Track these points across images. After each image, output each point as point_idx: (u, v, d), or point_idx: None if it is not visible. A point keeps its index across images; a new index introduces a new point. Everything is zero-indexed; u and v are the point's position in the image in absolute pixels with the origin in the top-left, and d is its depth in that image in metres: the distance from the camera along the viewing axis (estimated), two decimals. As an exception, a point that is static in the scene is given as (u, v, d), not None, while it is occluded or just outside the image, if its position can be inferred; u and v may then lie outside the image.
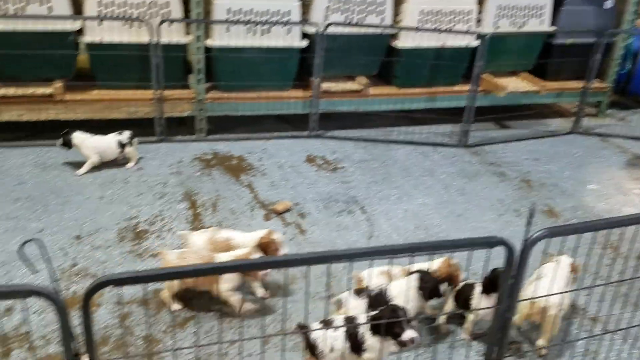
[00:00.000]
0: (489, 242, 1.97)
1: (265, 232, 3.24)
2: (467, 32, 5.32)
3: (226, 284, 2.99)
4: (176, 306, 3.09)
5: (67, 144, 4.37)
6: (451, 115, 5.41)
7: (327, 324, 2.53)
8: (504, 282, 2.11)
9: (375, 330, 2.42)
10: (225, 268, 2.06)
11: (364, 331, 2.47)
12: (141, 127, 4.96)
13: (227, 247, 3.21)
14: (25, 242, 1.39)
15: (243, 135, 5.26)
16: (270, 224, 3.95)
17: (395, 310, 2.42)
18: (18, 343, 2.79)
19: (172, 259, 3.02)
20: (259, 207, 4.15)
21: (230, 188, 4.38)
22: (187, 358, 2.78)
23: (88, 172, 4.40)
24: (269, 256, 3.08)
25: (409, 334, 2.38)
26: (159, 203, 4.12)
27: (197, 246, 3.22)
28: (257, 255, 3.09)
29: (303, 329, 2.56)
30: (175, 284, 3.05)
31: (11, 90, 4.51)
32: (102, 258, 3.47)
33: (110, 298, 3.12)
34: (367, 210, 4.20)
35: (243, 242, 3.22)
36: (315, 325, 2.55)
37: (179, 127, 5.18)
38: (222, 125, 5.32)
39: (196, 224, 3.90)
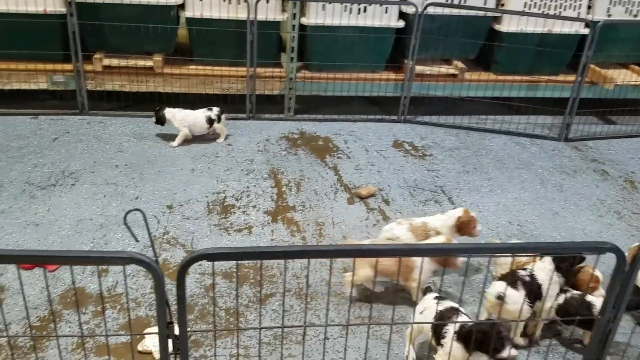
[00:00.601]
0: (599, 248, 1.81)
1: (461, 211, 3.20)
2: (576, 19, 4.94)
3: (423, 274, 2.78)
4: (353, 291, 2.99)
5: (160, 121, 4.52)
6: (552, 105, 5.08)
7: None
8: (610, 292, 1.94)
9: (477, 345, 2.26)
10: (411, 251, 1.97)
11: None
12: (232, 104, 5.06)
13: (425, 232, 3.19)
14: (129, 211, 1.41)
15: (330, 116, 5.23)
16: (354, 208, 3.91)
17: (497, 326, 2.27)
18: (110, 304, 2.94)
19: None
20: (342, 190, 4.11)
21: (315, 169, 4.37)
22: (266, 333, 2.81)
23: (181, 144, 4.54)
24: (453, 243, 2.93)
25: (509, 352, 2.24)
26: (246, 179, 4.18)
27: (404, 237, 3.18)
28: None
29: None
30: (365, 272, 2.89)
31: (115, 62, 4.72)
32: (191, 228, 3.58)
33: (197, 268, 3.21)
34: (455, 200, 4.05)
35: (440, 225, 3.19)
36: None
37: (268, 105, 5.23)
38: (310, 105, 5.32)
39: (280, 202, 3.93)
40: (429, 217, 3.29)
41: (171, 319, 1.67)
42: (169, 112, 4.51)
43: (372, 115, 5.31)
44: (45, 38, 4.56)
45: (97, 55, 4.68)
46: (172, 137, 4.58)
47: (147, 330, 2.77)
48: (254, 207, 3.87)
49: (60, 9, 4.46)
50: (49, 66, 4.64)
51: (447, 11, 4.84)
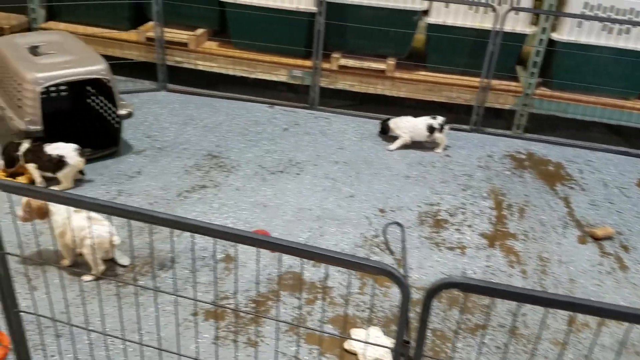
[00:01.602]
0: None
1: None
2: None
3: None
4: None
5: (385, 131, 4.56)
6: None
7: None
8: None
9: None
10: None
11: None
12: (456, 113, 4.88)
13: None
14: (389, 224, 1.34)
15: (565, 140, 4.74)
16: (585, 248, 3.46)
17: None
18: (322, 295, 3.01)
19: None
20: (573, 225, 3.68)
21: (542, 196, 3.99)
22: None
23: (398, 149, 4.51)
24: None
25: None
26: (462, 195, 3.99)
27: None
28: None
29: None
30: None
31: (350, 62, 4.86)
32: (401, 237, 3.52)
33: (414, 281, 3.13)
34: None
35: None
36: None
37: (494, 119, 4.94)
38: (541, 125, 4.89)
39: (499, 226, 3.66)
40: None
41: (408, 338, 1.58)
42: (393, 122, 4.51)
43: (615, 146, 4.69)
44: (292, 34, 4.89)
45: (335, 55, 4.88)
46: (390, 140, 4.58)
47: (353, 331, 2.77)
48: (469, 226, 3.66)
49: (311, 7, 4.73)
50: (291, 61, 4.96)
51: None
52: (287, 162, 4.25)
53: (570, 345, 2.78)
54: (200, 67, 5.08)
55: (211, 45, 5.13)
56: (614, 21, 4.23)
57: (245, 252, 3.17)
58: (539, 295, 1.43)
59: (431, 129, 4.44)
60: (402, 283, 1.44)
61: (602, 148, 4.64)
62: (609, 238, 3.55)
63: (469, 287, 1.43)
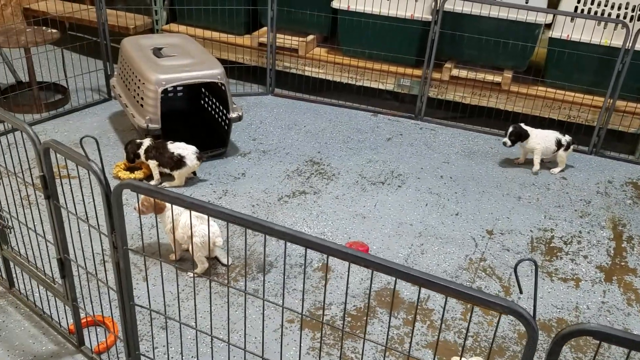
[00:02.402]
0: None
1: None
2: None
3: None
4: None
5: (520, 136, 4.16)
6: None
7: None
8: None
9: None
10: None
11: None
12: (571, 133, 4.54)
13: None
14: (521, 260, 1.22)
15: (698, 171, 4.27)
16: None
17: None
18: (421, 317, 2.88)
19: None
20: None
21: (669, 230, 3.60)
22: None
23: (539, 167, 4.23)
24: None
25: None
26: (579, 222, 3.69)
27: None
28: None
29: None
30: None
31: (464, 73, 4.68)
32: (510, 262, 3.30)
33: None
34: None
35: None
36: None
37: (617, 142, 4.54)
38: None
39: (617, 259, 3.34)
40: None
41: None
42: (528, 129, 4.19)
43: None
44: (404, 42, 4.79)
45: (447, 65, 4.72)
46: (501, 155, 4.34)
47: (454, 359, 2.62)
48: (585, 257, 3.37)
49: (427, 16, 4.60)
50: (400, 69, 4.86)
51: None
52: (389, 173, 4.16)
53: None
54: (308, 73, 5.12)
55: (320, 52, 5.15)
56: None
57: (343, 263, 3.12)
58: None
59: (559, 144, 4.15)
60: (530, 325, 1.31)
61: None
62: None
63: (606, 337, 1.27)
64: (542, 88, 4.55)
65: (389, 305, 2.92)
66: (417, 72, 4.79)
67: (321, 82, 5.19)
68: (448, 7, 4.48)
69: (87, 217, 2.46)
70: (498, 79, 4.58)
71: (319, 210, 3.67)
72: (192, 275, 3.00)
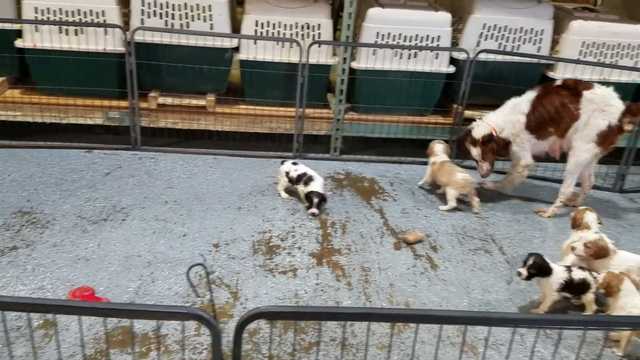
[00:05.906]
0: None
1: None
2: (633, 69, 4.84)
3: None
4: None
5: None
6: (607, 155, 4.94)
7: None
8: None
9: None
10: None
11: None
12: (279, 142, 5.11)
13: None
14: (192, 266, 1.40)
15: (376, 158, 5.21)
16: (400, 253, 3.84)
17: None
18: (155, 345, 2.94)
19: None
20: (389, 234, 4.06)
21: (360, 211, 4.33)
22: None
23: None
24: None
25: None
26: (292, 219, 4.18)
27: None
28: None
29: None
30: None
31: (169, 100, 4.85)
32: (237, 269, 3.57)
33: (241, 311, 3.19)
34: (506, 251, 3.94)
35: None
36: None
37: (314, 144, 5.26)
38: (356, 146, 5.32)
39: (325, 244, 3.90)
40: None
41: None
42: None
43: (418, 157, 5.27)
44: (101, 75, 4.74)
45: (152, 94, 4.83)
46: (219, 173, 4.62)
47: (192, 374, 2.75)
48: (299, 248, 3.85)
49: (119, 48, 4.64)
50: (106, 102, 4.80)
51: (499, 57, 4.82)
52: (111, 208, 4.09)
53: (395, 347, 3.05)
54: (3, 118, 4.68)
55: (13, 94, 4.77)
56: (404, 48, 4.79)
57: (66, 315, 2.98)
58: (338, 312, 1.58)
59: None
60: (211, 325, 1.50)
61: (408, 161, 5.19)
62: (419, 241, 3.98)
63: (274, 315, 1.53)
64: (243, 106, 5.01)
65: (122, 344, 2.90)
66: (124, 103, 4.80)
67: (22, 125, 4.79)
68: (138, 38, 4.60)
69: None
70: (202, 102, 4.89)
71: (35, 264, 3.42)
72: None
